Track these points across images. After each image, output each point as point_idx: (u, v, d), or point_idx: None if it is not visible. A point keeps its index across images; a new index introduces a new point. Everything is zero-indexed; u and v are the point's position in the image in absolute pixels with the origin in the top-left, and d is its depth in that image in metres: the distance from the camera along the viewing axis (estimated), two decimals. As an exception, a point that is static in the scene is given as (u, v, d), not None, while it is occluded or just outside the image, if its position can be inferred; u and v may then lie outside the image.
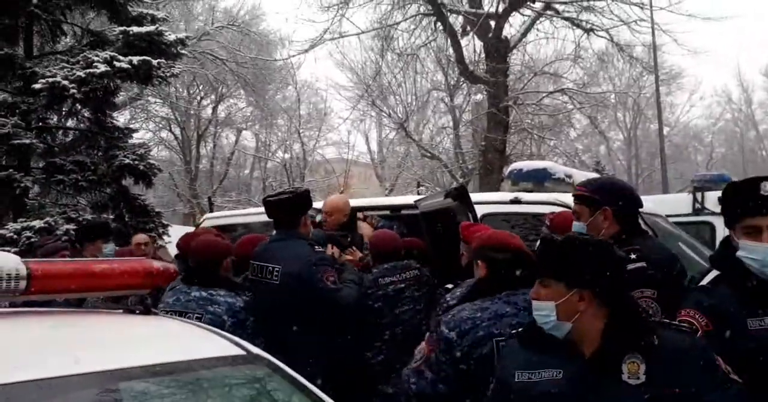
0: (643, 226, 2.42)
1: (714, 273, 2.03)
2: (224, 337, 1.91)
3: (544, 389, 1.64)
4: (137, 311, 2.11)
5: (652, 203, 5.02)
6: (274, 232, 3.48)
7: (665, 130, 26.52)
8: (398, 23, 14.45)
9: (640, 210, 2.43)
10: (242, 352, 1.80)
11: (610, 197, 2.29)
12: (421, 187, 14.78)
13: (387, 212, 4.56)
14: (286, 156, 25.46)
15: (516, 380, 1.70)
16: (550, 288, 1.69)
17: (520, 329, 1.86)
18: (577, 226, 2.37)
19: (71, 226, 7.88)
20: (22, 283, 1.75)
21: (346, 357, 3.06)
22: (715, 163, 33.44)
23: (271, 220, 3.84)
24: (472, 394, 2.10)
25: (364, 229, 4.06)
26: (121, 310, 2.20)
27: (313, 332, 2.82)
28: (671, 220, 4.70)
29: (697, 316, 1.90)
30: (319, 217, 4.06)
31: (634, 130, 32.21)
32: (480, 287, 2.31)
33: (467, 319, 2.16)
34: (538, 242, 1.77)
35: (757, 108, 37.56)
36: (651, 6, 12.89)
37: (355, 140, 42.89)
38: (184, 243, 3.59)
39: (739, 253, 1.91)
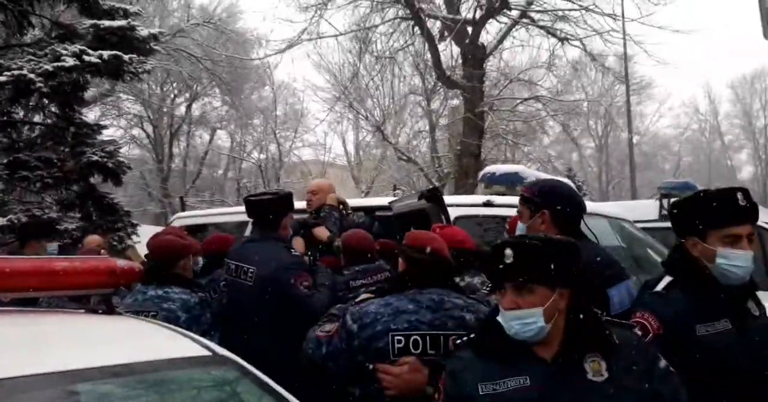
0: (585, 230, 2.43)
1: (668, 278, 2.07)
2: (189, 337, 1.87)
3: (514, 397, 1.63)
4: (100, 311, 2.06)
5: (620, 209, 5.12)
6: (249, 232, 3.44)
7: (635, 138, 27.11)
8: (376, 26, 14.48)
9: (586, 214, 2.45)
10: (208, 353, 1.76)
11: (549, 200, 2.30)
12: (397, 190, 14.78)
13: (362, 214, 4.55)
14: (262, 157, 25.29)
15: (481, 393, 1.66)
16: (534, 293, 1.65)
17: (464, 340, 1.80)
18: (519, 227, 2.38)
19: (35, 224, 7.66)
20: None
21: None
22: (682, 171, 34.31)
23: (246, 220, 3.81)
24: (359, 384, 2.19)
25: (330, 198, 4.02)
26: (83, 310, 2.15)
27: (283, 335, 2.79)
28: (639, 225, 4.80)
29: (650, 320, 1.96)
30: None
31: (606, 138, 32.86)
32: (392, 283, 2.40)
33: (370, 312, 2.22)
34: (503, 247, 1.67)
35: (723, 119, 38.95)
36: (623, 17, 13.21)
37: (332, 142, 42.82)
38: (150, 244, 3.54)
39: (719, 261, 1.95)
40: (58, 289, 1.94)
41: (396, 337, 2.14)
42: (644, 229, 4.79)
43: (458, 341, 1.83)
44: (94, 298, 2.56)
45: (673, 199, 5.96)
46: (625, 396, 1.62)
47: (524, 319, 1.64)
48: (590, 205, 4.52)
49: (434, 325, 2.16)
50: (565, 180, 5.10)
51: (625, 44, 13.83)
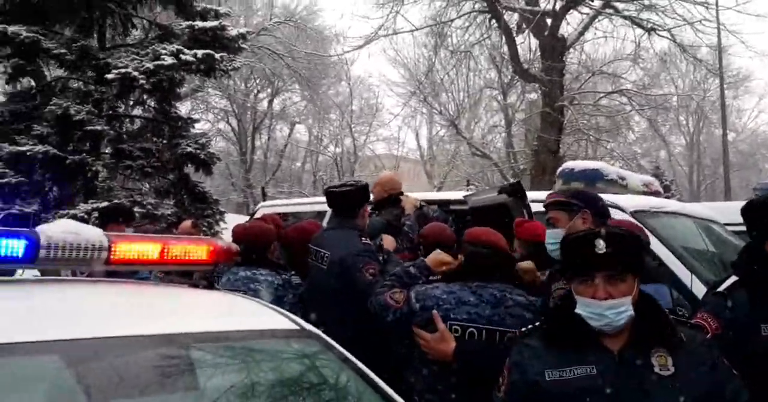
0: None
1: (732, 279, 2.08)
2: (279, 312, 2.04)
3: (581, 385, 1.67)
4: (200, 286, 2.29)
5: (711, 210, 4.89)
6: (326, 221, 3.63)
7: (731, 136, 25.45)
8: (452, 20, 14.46)
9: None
10: (295, 327, 1.93)
11: (586, 201, 2.39)
12: (470, 186, 14.75)
13: (435, 207, 4.62)
14: (337, 150, 25.91)
15: (547, 379, 1.71)
16: (626, 282, 1.70)
17: (534, 327, 1.85)
18: (553, 233, 2.40)
19: (136, 209, 8.33)
20: (104, 254, 1.94)
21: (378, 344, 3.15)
22: (784, 171, 31.73)
23: (325, 210, 3.99)
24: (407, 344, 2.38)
25: (408, 203, 4.10)
26: (186, 285, 2.39)
27: (348, 316, 2.95)
28: (731, 228, 4.56)
29: (709, 320, 1.99)
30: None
31: (697, 135, 30.95)
32: (457, 272, 2.51)
33: (433, 296, 2.35)
34: (593, 237, 1.70)
35: (832, 114, 35.48)
36: (717, 5, 12.40)
37: (405, 137, 42.99)
38: (237, 231, 3.80)
39: None
40: (169, 265, 2.18)
41: (453, 327, 2.27)
42: (737, 232, 4.57)
43: (524, 329, 1.88)
44: (197, 275, 2.82)
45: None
46: (690, 392, 1.64)
47: (618, 308, 1.67)
48: (676, 205, 4.40)
49: (492, 321, 2.26)
50: (651, 179, 4.95)
51: (719, 34, 13.00)
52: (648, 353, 1.69)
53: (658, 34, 13.32)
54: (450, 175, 23.54)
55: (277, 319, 1.99)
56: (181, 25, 9.17)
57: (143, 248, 2.05)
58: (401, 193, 4.15)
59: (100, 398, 1.48)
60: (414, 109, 22.81)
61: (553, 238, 2.36)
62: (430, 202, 4.65)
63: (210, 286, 2.28)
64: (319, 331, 1.98)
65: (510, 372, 1.81)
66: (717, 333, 1.95)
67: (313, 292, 3.23)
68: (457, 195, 4.61)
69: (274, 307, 2.14)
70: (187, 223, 5.56)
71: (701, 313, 2.05)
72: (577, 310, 1.72)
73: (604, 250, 1.67)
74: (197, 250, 2.20)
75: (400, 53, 22.94)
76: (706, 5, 12.53)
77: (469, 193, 4.43)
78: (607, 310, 1.67)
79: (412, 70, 21.68)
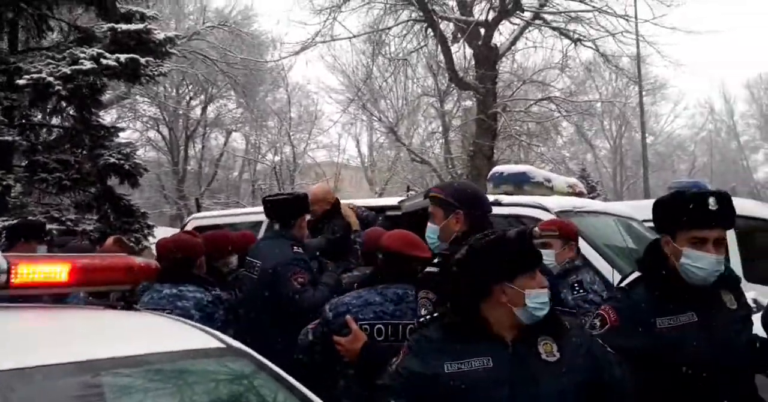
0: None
1: (635, 274, 2.19)
2: (204, 330, 1.94)
3: (479, 376, 1.75)
4: (118, 307, 2.14)
5: (631, 209, 5.13)
6: (262, 232, 3.55)
7: (649, 139, 26.89)
8: (390, 28, 14.59)
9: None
10: (222, 346, 1.83)
11: (462, 202, 2.43)
12: (410, 191, 14.84)
13: (363, 208, 4.62)
14: (276, 158, 25.48)
15: (447, 371, 1.77)
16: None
17: (433, 317, 1.94)
18: (431, 228, 2.50)
19: (54, 226, 7.83)
20: (2, 277, 1.77)
21: None
22: (697, 172, 33.86)
23: (261, 220, 3.91)
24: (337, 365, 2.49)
25: (350, 216, 4.09)
26: (102, 306, 2.24)
27: (279, 327, 2.90)
28: (649, 224, 4.80)
29: (610, 312, 2.09)
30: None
31: (620, 139, 32.56)
32: (367, 279, 2.74)
33: (344, 304, 2.54)
34: (514, 236, 1.82)
35: (739, 119, 38.26)
36: (636, 18, 13.14)
37: (345, 144, 42.77)
38: (161, 245, 3.62)
39: (683, 261, 2.04)
40: (82, 286, 2.03)
41: (363, 326, 2.45)
42: (653, 228, 4.80)
43: (422, 319, 1.98)
44: (114, 295, 2.65)
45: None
46: (574, 374, 1.77)
47: (540, 298, 1.79)
48: (598, 205, 4.58)
49: (395, 315, 2.46)
50: (575, 181, 5.15)
51: (638, 45, 13.77)
52: (535, 342, 1.79)
53: (584, 45, 13.96)
54: (391, 181, 23.66)
55: (202, 338, 1.89)
56: (102, 27, 8.71)
57: (49, 269, 1.89)
58: (338, 202, 4.14)
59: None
60: (353, 115, 22.86)
61: (431, 233, 2.48)
62: (370, 209, 4.64)
63: (128, 306, 2.13)
64: (247, 349, 1.90)
65: (406, 355, 1.86)
66: (615, 325, 2.05)
67: (244, 305, 3.15)
68: (393, 201, 4.63)
69: (198, 325, 2.04)
70: (110, 241, 5.26)
71: (604, 305, 2.16)
72: (528, 304, 1.77)
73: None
74: (112, 269, 2.07)
75: (338, 60, 22.84)
76: (626, 18, 13.25)
77: (403, 198, 4.45)
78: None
79: (350, 76, 21.73)
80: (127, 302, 2.13)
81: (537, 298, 1.77)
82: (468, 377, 1.75)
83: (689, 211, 2.03)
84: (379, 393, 1.91)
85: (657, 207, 2.19)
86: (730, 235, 5.64)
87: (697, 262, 2.02)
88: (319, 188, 4.43)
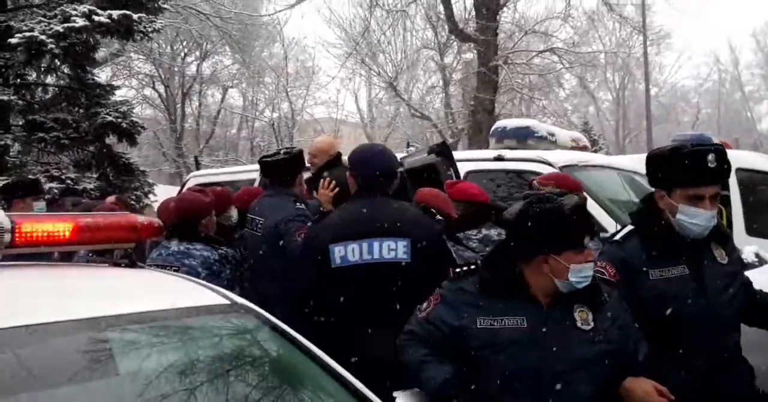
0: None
1: (629, 227, 2.21)
2: (208, 287, 1.95)
3: (509, 335, 1.77)
4: (123, 264, 2.15)
5: (635, 162, 5.10)
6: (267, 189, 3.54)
7: (653, 90, 26.49)
8: (387, -23, 14.11)
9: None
10: (227, 302, 1.85)
11: (352, 166, 2.60)
12: (410, 147, 14.74)
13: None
14: (274, 115, 25.21)
15: (478, 326, 1.78)
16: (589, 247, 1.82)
17: (470, 270, 1.90)
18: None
19: (54, 185, 7.83)
20: (6, 237, 1.77)
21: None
22: (701, 123, 33.53)
23: (262, 178, 3.89)
24: None
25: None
26: (107, 264, 2.25)
27: (284, 283, 2.91)
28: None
29: (607, 267, 2.11)
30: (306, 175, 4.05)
31: (623, 91, 32.10)
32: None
33: None
34: (568, 210, 1.75)
35: (743, 69, 37.55)
36: (642, -37, 12.68)
37: (344, 99, 42.29)
38: (166, 204, 3.61)
39: (679, 217, 2.05)
40: (84, 245, 2.03)
41: None
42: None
43: (459, 270, 1.91)
44: (118, 252, 2.67)
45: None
46: (605, 345, 1.80)
47: (590, 271, 1.80)
48: (602, 159, 4.56)
49: None
50: (579, 134, 5.10)
51: (644, -8, 13.36)
52: (571, 309, 1.80)
53: (587, -8, 13.57)
54: (391, 137, 23.47)
55: (206, 295, 1.91)
56: (92, -17, 8.45)
57: (52, 228, 1.90)
58: (340, 155, 4.10)
59: (7, 392, 1.36)
60: (352, 70, 22.38)
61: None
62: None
63: (132, 264, 2.14)
64: (252, 305, 1.91)
65: (437, 305, 1.87)
66: (615, 279, 2.08)
67: (250, 262, 3.17)
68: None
69: (202, 282, 2.05)
70: (110, 200, 5.25)
71: (600, 261, 2.14)
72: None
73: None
74: (115, 228, 2.07)
75: (335, 13, 22.42)
76: (631, -37, 12.84)
77: (406, 155, 4.42)
78: (588, 271, 1.80)
79: (348, 30, 21.16)
80: (131, 260, 2.15)
81: (581, 273, 1.77)
82: (499, 335, 1.77)
83: (688, 168, 2.02)
84: (405, 337, 1.92)
85: (652, 161, 2.16)
86: (733, 190, 5.64)
87: (694, 218, 2.03)
88: (323, 140, 4.36)
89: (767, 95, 37.47)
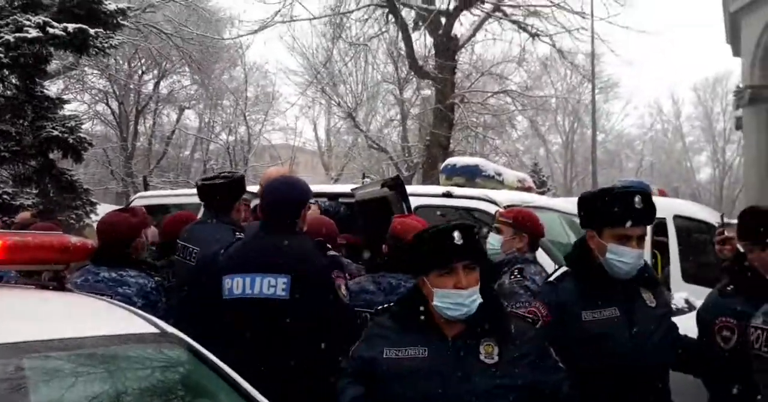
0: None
1: (563, 269, 2.29)
2: (138, 315, 1.90)
3: (410, 365, 1.82)
4: (51, 287, 2.07)
5: (574, 204, 5.26)
6: (201, 214, 3.42)
7: (600, 136, 27.73)
8: (351, 12, 14.44)
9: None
10: (156, 331, 1.79)
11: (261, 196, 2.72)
12: (366, 178, 14.83)
13: (326, 199, 4.57)
14: (230, 138, 24.95)
15: (384, 357, 1.84)
16: (475, 271, 1.85)
17: (387, 307, 2.00)
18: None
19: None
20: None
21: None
22: (644, 170, 35.14)
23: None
24: None
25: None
26: (33, 286, 2.15)
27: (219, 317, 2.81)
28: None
29: (541, 308, 2.17)
30: (255, 202, 3.98)
31: (572, 135, 33.44)
32: (368, 265, 2.84)
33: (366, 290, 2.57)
34: (450, 230, 1.82)
35: (685, 121, 39.84)
36: (592, 16, 13.45)
37: (302, 127, 42.25)
38: (98, 224, 3.42)
39: (608, 256, 2.13)
40: (9, 265, 1.95)
41: (356, 312, 2.47)
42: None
43: (380, 307, 2.04)
44: (46, 275, 2.54)
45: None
46: (508, 380, 1.81)
47: (472, 297, 1.82)
48: (544, 200, 4.69)
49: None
50: (525, 175, 5.26)
51: (593, 43, 14.15)
52: (478, 341, 1.84)
53: (541, 40, 14.18)
54: (347, 167, 23.58)
55: (135, 323, 1.84)
56: (50, -6, 8.29)
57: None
58: None
59: None
60: (312, 98, 22.53)
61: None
62: (321, 195, 4.58)
63: (61, 287, 2.06)
64: (182, 335, 1.86)
65: (360, 341, 1.95)
66: (547, 320, 2.12)
67: (178, 292, 3.00)
68: (347, 188, 4.61)
69: (132, 308, 1.99)
70: (25, 215, 4.97)
71: (535, 302, 2.23)
72: (435, 303, 1.82)
73: (462, 241, 1.80)
74: (45, 248, 1.99)
75: (298, 41, 22.39)
76: (582, 15, 13.56)
77: (357, 186, 4.44)
78: (467, 298, 1.80)
79: (310, 58, 21.36)
80: (60, 283, 2.06)
81: (445, 298, 1.80)
82: (402, 364, 1.82)
83: (616, 208, 2.11)
84: (337, 375, 1.98)
85: (583, 202, 2.25)
86: (671, 237, 5.89)
87: (622, 256, 2.11)
88: (275, 171, 4.30)
89: (706, 147, 39.76)
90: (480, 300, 1.82)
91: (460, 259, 1.81)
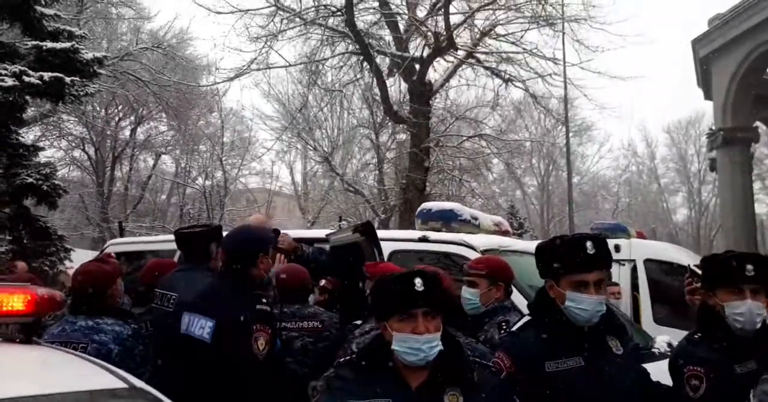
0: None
1: (525, 318, 2.28)
2: (107, 369, 1.85)
3: None
4: (17, 340, 2.01)
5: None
6: (180, 262, 3.41)
7: (575, 178, 28.31)
8: (326, 59, 14.73)
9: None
10: (124, 385, 1.75)
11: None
12: (342, 222, 14.85)
13: (307, 246, 4.55)
14: (207, 183, 24.84)
15: None
16: (436, 319, 1.85)
17: (348, 359, 1.97)
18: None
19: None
20: None
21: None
22: (620, 212, 35.61)
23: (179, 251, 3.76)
24: None
25: (286, 243, 3.95)
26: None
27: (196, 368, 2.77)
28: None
29: (504, 359, 2.13)
30: None
31: (547, 177, 34.04)
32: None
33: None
34: (412, 276, 1.84)
35: (659, 162, 40.77)
36: (564, 62, 13.90)
37: (279, 171, 42.35)
38: (74, 274, 3.42)
39: (567, 304, 2.12)
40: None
41: None
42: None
43: (342, 360, 2.00)
44: (13, 327, 2.48)
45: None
46: None
47: (431, 343, 1.80)
48: (521, 244, 4.73)
49: None
50: (501, 219, 5.31)
51: (566, 87, 14.49)
52: (442, 392, 1.81)
53: (514, 85, 14.59)
54: (324, 210, 23.56)
55: (104, 377, 1.80)
56: (27, 44, 8.37)
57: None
58: (278, 233, 4.06)
59: None
60: (288, 143, 22.76)
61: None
62: (298, 240, 4.57)
63: (28, 340, 2.01)
64: (151, 389, 1.81)
65: (322, 393, 1.91)
66: (511, 371, 2.09)
67: (157, 340, 2.98)
68: (322, 233, 4.61)
69: (101, 363, 1.94)
70: (23, 265, 4.92)
71: (498, 352, 2.19)
72: (394, 347, 1.82)
73: (423, 288, 1.81)
74: (11, 300, 1.95)
75: (274, 87, 22.73)
76: (555, 61, 14.00)
77: (331, 231, 4.45)
78: (425, 343, 1.80)
79: (286, 104, 21.63)
80: (26, 335, 2.01)
81: (403, 342, 1.80)
82: None
83: (569, 256, 2.12)
84: None
85: (540, 253, 2.25)
86: (641, 280, 5.95)
87: (581, 304, 2.10)
88: (257, 218, 4.33)
89: (681, 188, 40.59)
90: (440, 347, 1.81)
91: (419, 305, 1.82)
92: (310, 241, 4.61)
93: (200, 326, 2.53)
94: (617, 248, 5.89)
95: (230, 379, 2.46)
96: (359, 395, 1.82)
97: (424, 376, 1.83)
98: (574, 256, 2.10)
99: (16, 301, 1.95)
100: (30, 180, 8.05)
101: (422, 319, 1.81)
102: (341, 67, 14.89)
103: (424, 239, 4.14)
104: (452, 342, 1.91)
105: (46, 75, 7.66)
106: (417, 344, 1.80)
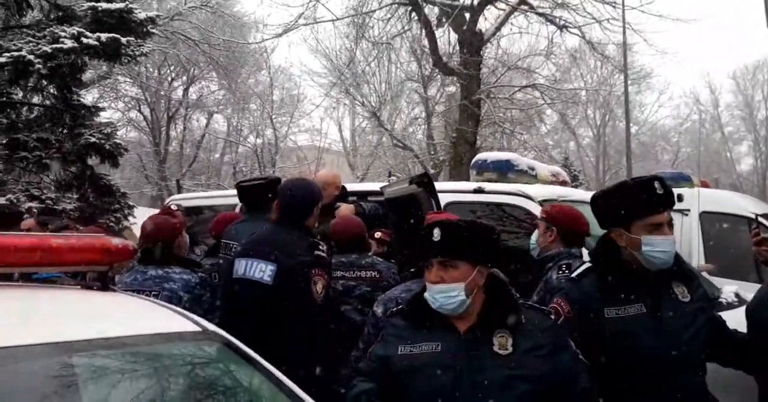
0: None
1: (586, 265, 2.23)
2: (180, 313, 1.93)
3: (423, 360, 1.86)
4: (95, 287, 2.12)
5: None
6: (244, 214, 3.53)
7: (633, 128, 27.13)
8: (374, 11, 14.39)
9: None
10: (197, 329, 1.83)
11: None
12: (392, 177, 14.86)
13: (354, 198, 4.59)
14: (258, 141, 25.26)
15: (399, 353, 1.90)
16: (457, 269, 1.87)
17: (399, 309, 2.04)
18: None
19: (34, 204, 7.74)
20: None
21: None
22: (680, 162, 34.16)
23: (240, 203, 3.89)
24: None
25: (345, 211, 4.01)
26: (78, 286, 2.22)
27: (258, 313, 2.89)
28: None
29: (562, 304, 2.14)
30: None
31: (604, 128, 32.76)
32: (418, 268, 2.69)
33: (394, 298, 2.51)
34: (433, 226, 1.89)
35: (723, 110, 38.50)
36: (623, 5, 13.07)
37: (327, 128, 42.47)
38: (142, 226, 3.59)
39: (644, 248, 2.04)
40: (53, 266, 2.00)
41: None
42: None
43: (393, 309, 2.09)
44: (90, 275, 2.62)
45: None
46: (522, 371, 1.81)
47: (448, 293, 1.85)
48: (580, 194, 4.60)
49: None
50: (559, 169, 5.17)
51: (624, 33, 13.68)
52: (491, 334, 1.85)
53: (569, 32, 13.91)
54: (373, 166, 23.62)
55: (177, 321, 1.88)
56: (83, 6, 8.53)
57: (24, 249, 1.87)
58: (345, 189, 4.14)
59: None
60: (336, 99, 22.66)
61: None
62: (353, 194, 4.60)
63: (105, 287, 2.12)
64: (223, 332, 1.89)
65: (377, 342, 2.02)
66: (569, 316, 2.09)
67: (224, 287, 3.13)
68: (376, 186, 4.62)
69: (174, 307, 2.03)
70: (29, 222, 5.06)
71: (556, 298, 2.19)
72: (425, 295, 1.91)
73: (438, 238, 1.86)
74: (87, 250, 2.04)
75: (321, 43, 22.58)
76: (613, 5, 13.18)
77: (386, 184, 4.44)
78: (437, 293, 1.86)
79: (333, 60, 21.41)
80: (104, 283, 2.12)
81: (428, 292, 1.89)
82: (416, 359, 1.86)
83: (641, 199, 2.05)
84: (354, 374, 2.03)
85: (601, 202, 2.17)
86: (695, 231, 5.70)
87: (659, 246, 2.04)
88: (330, 174, 4.37)
89: (747, 136, 38.44)
90: (461, 297, 1.84)
91: (434, 255, 1.88)
92: (364, 195, 4.64)
93: (260, 270, 2.64)
94: (680, 198, 5.65)
95: (291, 321, 2.54)
96: (410, 340, 1.90)
97: (471, 320, 1.88)
98: (646, 198, 2.04)
99: (91, 251, 2.05)
100: (93, 139, 8.37)
101: (436, 268, 1.87)
102: (389, 19, 14.53)
103: (479, 190, 4.08)
104: (501, 286, 1.94)
105: (103, 36, 7.82)
106: (430, 293, 1.88)
